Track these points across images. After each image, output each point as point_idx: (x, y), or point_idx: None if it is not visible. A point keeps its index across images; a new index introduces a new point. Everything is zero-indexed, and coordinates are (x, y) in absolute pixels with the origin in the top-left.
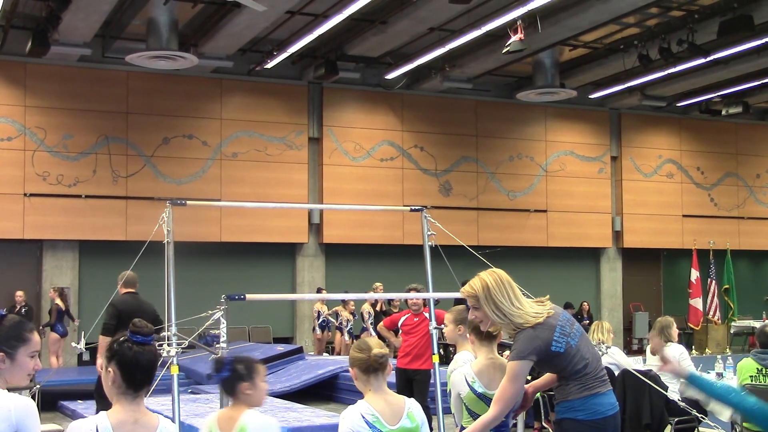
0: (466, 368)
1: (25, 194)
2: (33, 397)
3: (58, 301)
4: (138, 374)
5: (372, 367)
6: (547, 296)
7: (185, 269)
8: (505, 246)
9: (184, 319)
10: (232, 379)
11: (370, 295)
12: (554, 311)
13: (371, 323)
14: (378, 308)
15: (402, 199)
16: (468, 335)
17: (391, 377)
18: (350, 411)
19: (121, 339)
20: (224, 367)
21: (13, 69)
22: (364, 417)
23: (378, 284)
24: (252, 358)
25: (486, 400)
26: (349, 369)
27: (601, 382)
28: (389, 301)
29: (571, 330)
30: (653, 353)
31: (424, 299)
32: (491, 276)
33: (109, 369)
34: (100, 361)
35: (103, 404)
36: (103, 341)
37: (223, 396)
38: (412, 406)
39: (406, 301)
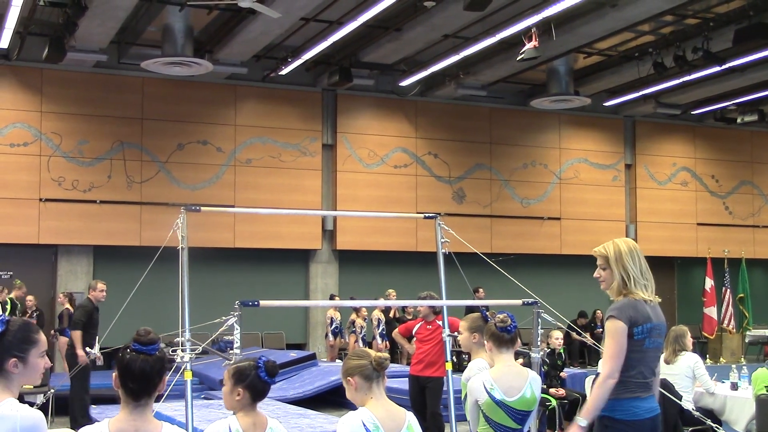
0: (485, 375)
1: (40, 199)
2: (47, 401)
3: (68, 306)
4: (129, 382)
5: (375, 372)
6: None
7: (199, 275)
8: (519, 253)
9: (198, 325)
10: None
11: (384, 302)
12: (659, 315)
13: (380, 330)
14: (392, 315)
15: (415, 206)
16: (486, 342)
17: (405, 384)
18: (350, 416)
19: (123, 347)
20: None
21: (30, 75)
22: (365, 424)
23: (391, 291)
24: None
25: (504, 407)
26: (347, 380)
27: (645, 389)
28: (403, 309)
29: (656, 337)
30: (667, 362)
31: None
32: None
33: (113, 375)
34: (81, 352)
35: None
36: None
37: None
38: (412, 419)
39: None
